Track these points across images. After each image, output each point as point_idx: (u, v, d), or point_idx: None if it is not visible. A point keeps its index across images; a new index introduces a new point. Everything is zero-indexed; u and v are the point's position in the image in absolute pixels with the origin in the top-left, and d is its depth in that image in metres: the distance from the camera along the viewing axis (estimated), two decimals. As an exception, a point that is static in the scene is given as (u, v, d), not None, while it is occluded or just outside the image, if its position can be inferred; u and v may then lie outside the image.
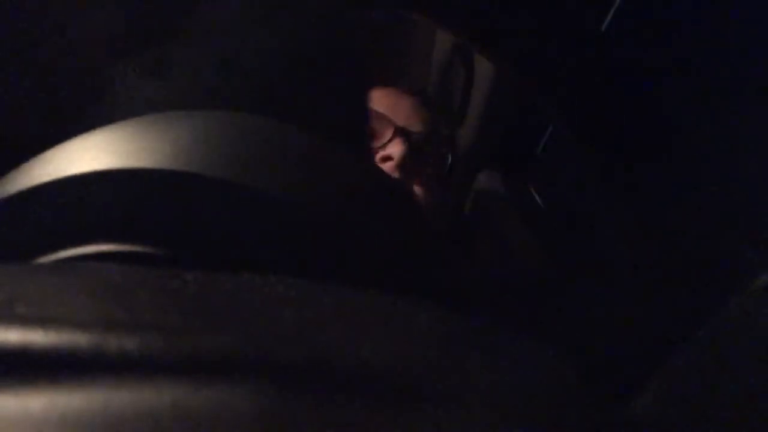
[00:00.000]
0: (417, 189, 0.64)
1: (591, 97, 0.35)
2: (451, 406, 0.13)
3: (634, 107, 0.34)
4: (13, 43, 0.27)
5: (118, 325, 0.12)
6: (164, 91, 0.23)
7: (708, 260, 0.31)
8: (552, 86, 0.36)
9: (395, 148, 0.62)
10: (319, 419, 0.12)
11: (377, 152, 0.62)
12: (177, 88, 0.24)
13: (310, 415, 0.12)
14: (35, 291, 0.14)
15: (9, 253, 0.19)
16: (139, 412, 0.11)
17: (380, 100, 0.65)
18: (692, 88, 0.33)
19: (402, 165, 0.61)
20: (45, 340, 0.12)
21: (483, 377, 0.14)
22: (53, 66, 0.27)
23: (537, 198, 0.60)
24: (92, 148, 0.19)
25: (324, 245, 0.19)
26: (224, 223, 0.19)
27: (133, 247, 0.18)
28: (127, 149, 0.19)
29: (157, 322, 0.13)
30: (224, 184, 0.19)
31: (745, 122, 0.31)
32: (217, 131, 0.20)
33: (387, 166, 0.62)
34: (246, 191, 0.19)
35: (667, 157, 0.33)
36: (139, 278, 0.15)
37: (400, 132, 0.62)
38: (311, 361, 0.13)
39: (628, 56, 0.35)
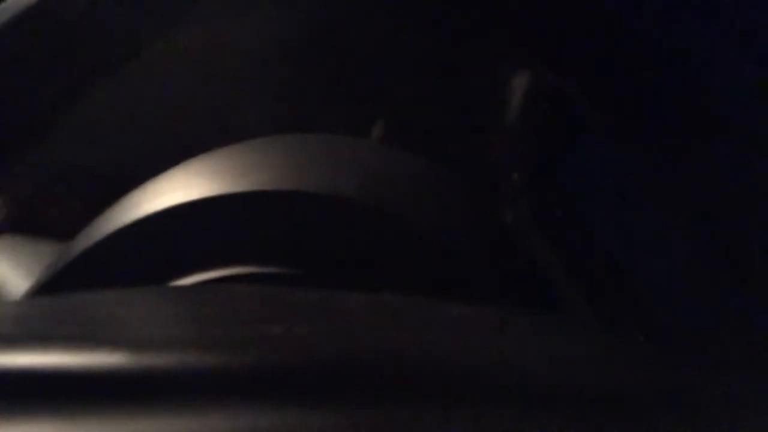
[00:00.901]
0: None
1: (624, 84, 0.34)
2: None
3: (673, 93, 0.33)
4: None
5: (216, 345, 0.12)
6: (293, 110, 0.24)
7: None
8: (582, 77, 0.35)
9: None
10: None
11: None
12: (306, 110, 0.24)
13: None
14: (143, 314, 0.14)
15: (143, 276, 0.19)
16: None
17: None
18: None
19: None
20: (124, 361, 0.11)
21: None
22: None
23: (559, 217, 0.59)
24: (226, 167, 0.19)
25: (448, 272, 0.20)
26: (355, 243, 0.19)
27: (270, 269, 0.18)
28: (261, 170, 0.19)
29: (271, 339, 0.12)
30: (360, 207, 0.19)
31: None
32: (347, 155, 0.21)
33: None
34: (377, 214, 0.19)
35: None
36: (268, 298, 0.15)
37: None
38: (431, 373, 0.12)
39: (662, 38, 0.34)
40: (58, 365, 0.10)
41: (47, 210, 0.29)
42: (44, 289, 0.19)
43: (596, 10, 0.36)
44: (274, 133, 0.21)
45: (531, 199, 0.53)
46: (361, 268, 0.19)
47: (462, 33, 0.37)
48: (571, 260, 0.46)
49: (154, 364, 0.11)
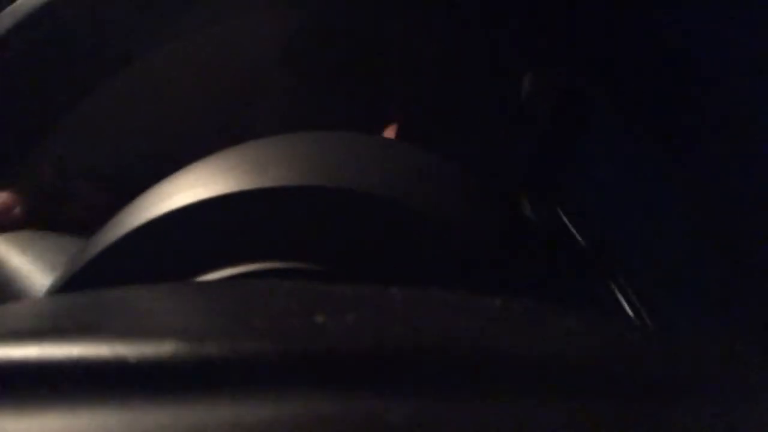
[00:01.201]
0: None
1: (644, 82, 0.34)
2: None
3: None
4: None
5: (234, 335, 0.11)
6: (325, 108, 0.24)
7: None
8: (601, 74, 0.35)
9: None
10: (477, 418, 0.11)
11: None
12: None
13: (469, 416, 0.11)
14: (186, 307, 0.14)
15: (168, 272, 0.18)
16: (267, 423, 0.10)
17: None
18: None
19: None
20: (140, 352, 0.11)
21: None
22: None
23: (567, 223, 0.59)
24: (250, 163, 0.19)
25: (472, 266, 0.20)
26: (381, 238, 0.19)
27: (295, 264, 0.18)
28: (283, 165, 0.19)
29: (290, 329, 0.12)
30: (381, 203, 0.19)
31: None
32: (368, 151, 0.21)
33: None
34: (398, 209, 0.19)
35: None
36: (290, 291, 0.15)
37: None
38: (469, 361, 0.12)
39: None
40: (114, 356, 0.10)
41: (65, 205, 0.29)
42: (68, 284, 0.19)
43: (602, 10, 0.35)
44: (278, 132, 0.21)
45: (535, 195, 0.53)
46: (381, 262, 0.19)
47: (469, 32, 0.37)
48: (573, 256, 0.46)
49: (215, 354, 0.11)
